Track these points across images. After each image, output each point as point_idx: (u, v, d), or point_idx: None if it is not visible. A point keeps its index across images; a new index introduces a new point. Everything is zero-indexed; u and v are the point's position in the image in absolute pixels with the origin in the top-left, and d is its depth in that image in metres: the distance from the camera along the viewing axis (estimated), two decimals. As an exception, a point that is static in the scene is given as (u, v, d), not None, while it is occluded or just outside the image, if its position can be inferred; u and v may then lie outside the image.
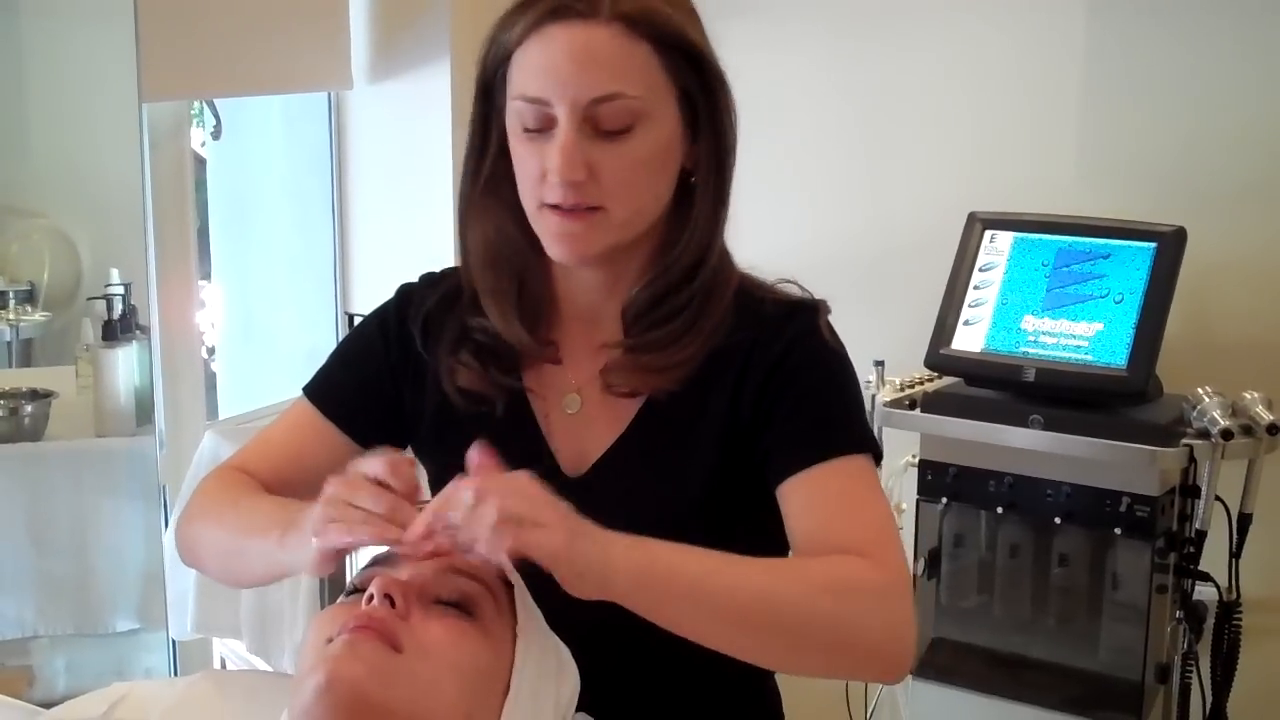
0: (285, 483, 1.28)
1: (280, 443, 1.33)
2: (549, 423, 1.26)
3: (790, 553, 1.21)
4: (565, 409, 1.26)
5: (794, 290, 1.29)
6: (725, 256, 1.27)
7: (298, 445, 1.32)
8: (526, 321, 1.25)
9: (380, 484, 1.04)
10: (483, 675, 0.98)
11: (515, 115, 1.18)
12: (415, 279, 1.37)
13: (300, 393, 1.35)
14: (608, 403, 1.25)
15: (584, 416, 1.26)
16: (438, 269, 1.37)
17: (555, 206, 1.17)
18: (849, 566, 1.11)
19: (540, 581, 1.09)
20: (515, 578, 1.07)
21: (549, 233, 1.19)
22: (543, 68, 1.15)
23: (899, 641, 1.11)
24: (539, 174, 1.17)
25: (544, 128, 1.16)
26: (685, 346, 1.22)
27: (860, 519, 1.17)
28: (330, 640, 0.95)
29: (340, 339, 2.71)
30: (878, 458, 1.24)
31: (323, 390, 1.33)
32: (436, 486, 1.30)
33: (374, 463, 1.06)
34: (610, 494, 1.22)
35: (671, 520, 1.20)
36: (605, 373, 1.24)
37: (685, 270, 1.23)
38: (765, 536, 1.22)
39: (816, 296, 1.28)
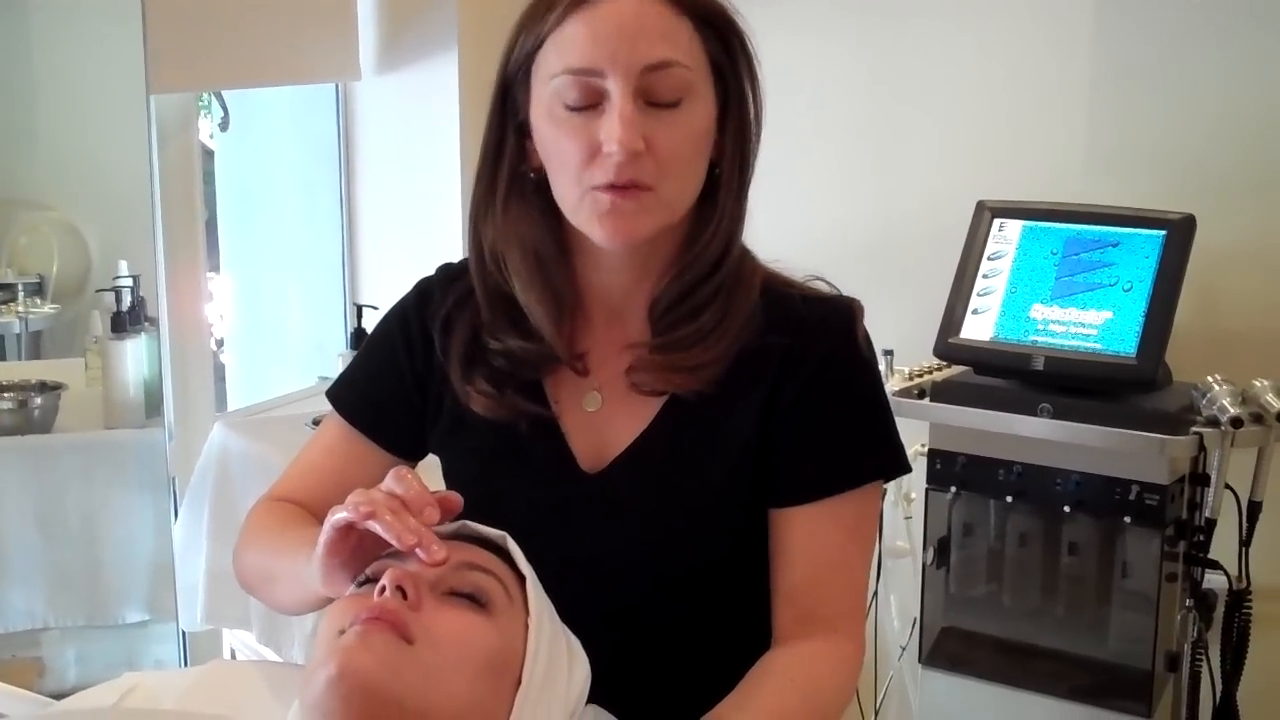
0: (330, 506, 1.27)
1: (321, 467, 1.33)
2: (567, 419, 1.24)
3: (770, 574, 1.22)
4: (585, 406, 1.25)
5: (824, 288, 1.27)
6: (746, 250, 1.25)
7: (339, 467, 1.31)
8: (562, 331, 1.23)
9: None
10: (494, 666, 0.98)
11: (554, 95, 1.14)
12: (433, 272, 1.34)
13: (325, 399, 1.35)
14: (630, 400, 1.22)
15: (605, 414, 1.24)
16: (454, 260, 1.34)
17: (604, 187, 1.13)
18: (831, 679, 1.19)
19: (550, 572, 1.10)
20: (527, 569, 1.07)
21: (599, 213, 1.14)
22: (591, 39, 1.12)
23: (850, 695, 1.24)
24: (585, 154, 1.13)
25: (591, 104, 1.13)
26: (714, 345, 1.20)
27: (845, 580, 1.22)
28: (342, 631, 0.96)
29: (352, 332, 2.77)
30: (903, 470, 1.25)
31: (353, 404, 1.33)
32: (449, 479, 1.30)
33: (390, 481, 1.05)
34: (628, 491, 1.22)
35: (689, 519, 1.21)
36: (631, 372, 1.21)
37: (711, 263, 1.21)
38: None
39: (846, 294, 1.26)
